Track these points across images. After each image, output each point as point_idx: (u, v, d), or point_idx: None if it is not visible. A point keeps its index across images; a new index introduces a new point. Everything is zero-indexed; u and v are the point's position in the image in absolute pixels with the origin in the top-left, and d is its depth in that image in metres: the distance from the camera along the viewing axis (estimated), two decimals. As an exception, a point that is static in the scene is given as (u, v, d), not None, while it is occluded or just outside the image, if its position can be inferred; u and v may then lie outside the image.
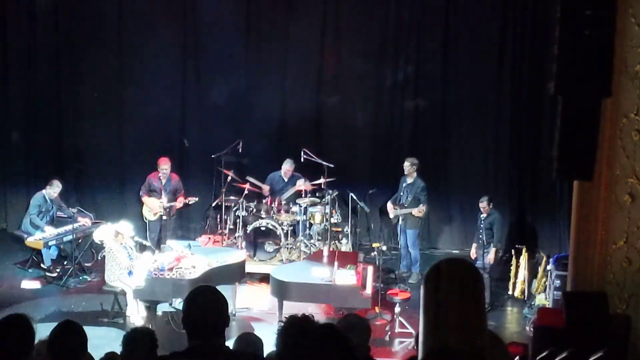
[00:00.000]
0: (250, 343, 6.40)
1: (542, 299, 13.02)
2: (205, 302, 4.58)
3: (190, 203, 15.37)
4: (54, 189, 14.69)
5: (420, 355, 2.19)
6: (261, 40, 16.44)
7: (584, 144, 7.71)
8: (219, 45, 16.42)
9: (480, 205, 13.56)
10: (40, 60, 16.64)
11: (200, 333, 4.47)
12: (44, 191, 14.72)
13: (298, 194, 15.25)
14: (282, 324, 4.54)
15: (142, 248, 13.05)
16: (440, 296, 2.30)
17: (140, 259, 12.38)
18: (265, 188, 15.41)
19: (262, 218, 14.56)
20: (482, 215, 13.57)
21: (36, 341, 4.99)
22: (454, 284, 2.34)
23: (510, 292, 13.95)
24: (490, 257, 13.48)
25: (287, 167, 15.33)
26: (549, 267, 13.02)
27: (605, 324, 5.97)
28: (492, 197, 13.78)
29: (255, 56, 16.48)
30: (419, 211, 14.22)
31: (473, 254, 13.67)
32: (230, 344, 5.23)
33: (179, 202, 15.18)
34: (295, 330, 4.61)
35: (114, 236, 12.37)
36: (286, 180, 15.40)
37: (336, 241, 15.04)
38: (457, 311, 2.25)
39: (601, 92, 7.61)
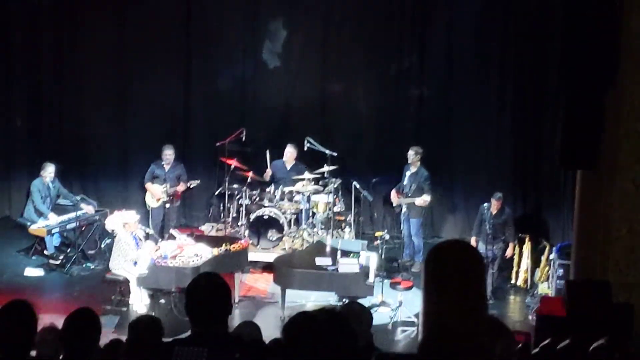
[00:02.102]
0: (250, 331, 6.40)
1: (545, 288, 13.03)
2: (207, 290, 4.59)
3: (192, 186, 15.35)
4: (47, 172, 14.67)
5: (420, 337, 2.20)
6: (266, 28, 16.41)
7: (588, 134, 7.72)
8: (223, 32, 16.41)
9: (493, 201, 13.36)
10: (42, 46, 16.64)
11: (202, 320, 4.47)
12: (40, 177, 14.72)
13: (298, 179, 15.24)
14: (289, 319, 4.55)
15: (145, 236, 13.05)
16: (441, 278, 2.30)
17: (143, 248, 12.39)
18: (268, 172, 15.37)
19: (265, 206, 14.56)
20: (490, 211, 13.42)
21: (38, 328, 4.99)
22: (454, 265, 2.34)
23: (513, 281, 13.96)
24: (509, 251, 13.48)
25: (290, 150, 15.30)
26: (552, 256, 13.02)
27: (608, 313, 5.98)
28: (503, 195, 13.68)
29: (260, 44, 16.44)
30: (423, 201, 14.19)
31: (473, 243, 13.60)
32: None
33: (182, 186, 15.17)
34: (300, 322, 4.62)
35: (123, 226, 12.36)
36: (289, 168, 15.38)
37: (339, 230, 15.03)
38: (458, 293, 2.25)
39: (606, 83, 7.62)
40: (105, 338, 7.17)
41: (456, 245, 2.45)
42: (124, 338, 6.98)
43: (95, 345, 5.56)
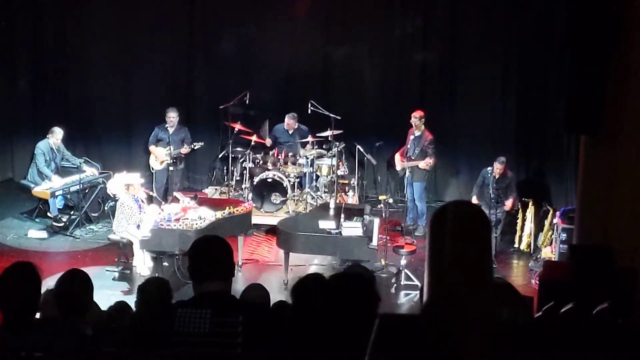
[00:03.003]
0: (257, 294, 6.42)
1: (548, 252, 13.04)
2: (209, 251, 4.59)
3: (196, 148, 15.31)
4: (56, 136, 14.67)
5: (425, 299, 2.19)
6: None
7: (592, 99, 7.69)
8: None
9: (496, 165, 13.36)
10: (46, 11, 16.57)
11: (205, 282, 4.47)
12: (47, 140, 14.71)
13: (303, 145, 15.22)
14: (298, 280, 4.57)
15: (148, 199, 13.05)
16: (447, 239, 2.29)
17: (147, 210, 12.40)
18: (268, 141, 15.38)
19: (268, 170, 14.55)
20: (493, 175, 13.40)
21: (43, 289, 5.00)
22: (460, 226, 2.33)
23: (516, 245, 13.98)
24: (509, 205, 13.50)
25: (289, 121, 15.31)
26: (555, 221, 13.02)
27: (611, 277, 5.98)
28: (506, 160, 13.68)
29: (263, 7, 16.36)
30: (426, 164, 14.18)
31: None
32: (237, 295, 5.25)
33: (185, 149, 15.14)
34: (311, 284, 4.65)
35: (126, 189, 12.35)
36: (290, 133, 15.37)
37: (343, 193, 15.04)
38: (463, 254, 2.24)
39: (609, 47, 7.58)
40: (109, 300, 7.21)
41: (462, 206, 2.44)
42: (127, 299, 7.01)
43: (89, 304, 5.58)
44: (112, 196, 13.14)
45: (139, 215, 12.20)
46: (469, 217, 2.39)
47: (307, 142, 14.98)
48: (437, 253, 2.26)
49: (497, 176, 13.34)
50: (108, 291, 10.93)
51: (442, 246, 2.26)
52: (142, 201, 12.52)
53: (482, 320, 2.11)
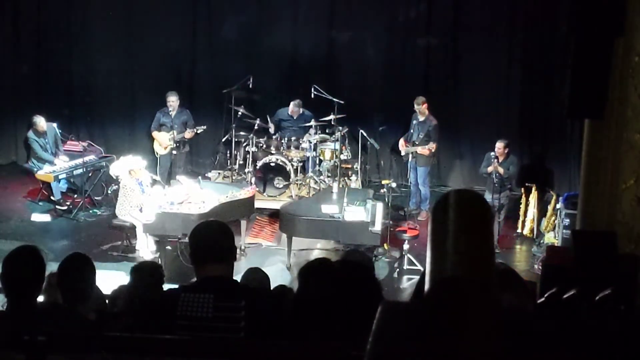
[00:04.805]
0: (257, 278, 6.43)
1: (551, 238, 13.05)
2: (210, 232, 4.60)
3: (199, 132, 15.30)
4: (39, 126, 14.63)
5: (427, 286, 2.19)
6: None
7: (596, 83, 7.67)
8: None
9: (497, 146, 13.37)
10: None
11: (207, 266, 4.48)
12: (31, 131, 14.73)
13: (306, 129, 15.21)
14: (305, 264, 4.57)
15: (152, 183, 13.06)
16: (448, 226, 2.29)
17: (150, 194, 12.40)
18: (271, 127, 15.37)
19: (271, 154, 14.54)
20: (496, 156, 13.32)
21: (47, 273, 5.02)
22: (462, 213, 2.33)
23: (519, 231, 13.99)
24: (491, 168, 13.43)
25: (293, 108, 15.30)
26: (558, 206, 13.03)
27: (614, 263, 5.98)
28: (509, 143, 13.65)
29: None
30: (429, 149, 14.18)
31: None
32: (237, 279, 5.26)
33: (189, 134, 15.14)
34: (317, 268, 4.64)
35: (128, 173, 12.36)
36: (295, 118, 15.36)
37: (346, 178, 15.04)
38: (466, 241, 2.24)
39: (614, 31, 7.55)
40: (112, 284, 7.23)
41: (464, 194, 2.44)
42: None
43: (92, 289, 5.60)
44: (114, 178, 13.15)
45: (141, 198, 12.20)
46: (471, 205, 2.39)
47: (311, 126, 14.94)
48: (439, 241, 2.26)
49: (500, 159, 13.29)
50: (111, 275, 10.94)
51: (444, 234, 2.26)
52: (146, 185, 12.52)
53: (485, 308, 2.11)
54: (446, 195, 2.41)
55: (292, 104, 15.28)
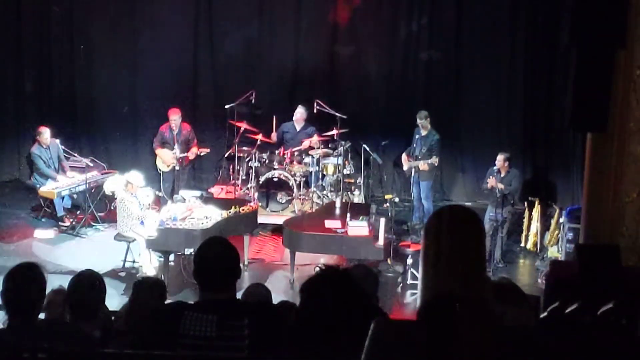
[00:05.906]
0: (259, 293, 6.41)
1: (555, 252, 13.03)
2: (216, 255, 4.56)
3: (202, 154, 15.33)
4: (44, 137, 14.60)
5: (419, 303, 2.19)
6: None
7: (598, 96, 7.66)
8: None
9: (498, 159, 13.32)
10: (52, 10, 16.58)
11: (212, 287, 4.47)
12: (37, 144, 14.69)
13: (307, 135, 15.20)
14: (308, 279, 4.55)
15: (150, 202, 13.03)
16: (441, 243, 2.28)
17: (151, 210, 12.40)
18: (273, 135, 15.36)
19: (274, 169, 14.54)
20: (499, 170, 13.28)
21: (48, 290, 5.00)
22: (454, 231, 2.33)
23: (522, 245, 13.97)
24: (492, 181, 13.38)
25: (301, 110, 15.24)
26: (561, 220, 12.99)
27: (617, 277, 5.96)
28: (511, 156, 13.62)
29: (269, 5, 16.36)
30: (429, 165, 14.14)
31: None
32: (240, 293, 5.25)
33: (191, 154, 15.13)
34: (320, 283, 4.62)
35: (124, 186, 12.36)
36: (298, 129, 15.34)
37: (349, 192, 15.03)
38: (458, 259, 2.24)
39: (615, 43, 7.55)
40: (116, 300, 7.21)
41: (457, 210, 2.44)
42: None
43: (100, 306, 5.59)
44: (110, 194, 13.16)
45: (140, 212, 12.20)
46: (463, 221, 2.39)
47: (311, 138, 14.90)
48: (432, 256, 2.25)
49: (502, 173, 13.26)
50: (114, 291, 10.94)
51: (437, 250, 2.26)
52: (143, 204, 12.50)
53: (477, 322, 2.10)
54: (439, 211, 2.42)
55: (299, 106, 15.22)
